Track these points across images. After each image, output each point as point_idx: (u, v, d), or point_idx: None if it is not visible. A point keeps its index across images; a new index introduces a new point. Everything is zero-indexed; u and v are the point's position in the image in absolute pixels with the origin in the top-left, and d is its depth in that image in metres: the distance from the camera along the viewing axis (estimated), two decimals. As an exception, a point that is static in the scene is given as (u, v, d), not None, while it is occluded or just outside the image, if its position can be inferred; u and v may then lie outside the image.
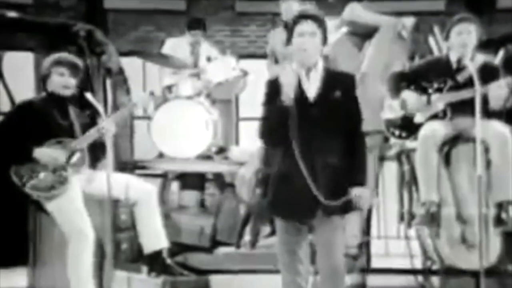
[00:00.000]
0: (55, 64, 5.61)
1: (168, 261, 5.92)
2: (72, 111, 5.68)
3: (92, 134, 5.58)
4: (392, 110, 6.05)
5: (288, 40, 4.40)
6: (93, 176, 5.67)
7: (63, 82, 5.58)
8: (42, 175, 5.53)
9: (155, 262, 5.89)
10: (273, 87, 4.36)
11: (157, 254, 5.86)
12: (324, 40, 4.38)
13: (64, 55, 5.78)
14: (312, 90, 4.34)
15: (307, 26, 4.33)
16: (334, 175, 4.29)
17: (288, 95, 4.24)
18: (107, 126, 5.51)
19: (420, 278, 6.22)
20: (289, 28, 4.41)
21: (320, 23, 4.36)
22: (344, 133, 4.35)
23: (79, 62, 5.75)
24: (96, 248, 5.55)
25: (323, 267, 4.33)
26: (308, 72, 4.34)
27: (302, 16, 4.38)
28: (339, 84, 4.36)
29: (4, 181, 5.58)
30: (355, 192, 4.33)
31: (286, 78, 4.26)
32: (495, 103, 5.59)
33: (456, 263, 5.80)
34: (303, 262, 4.35)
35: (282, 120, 4.25)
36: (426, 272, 6.16)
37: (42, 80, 5.66)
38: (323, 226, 4.31)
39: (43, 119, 5.58)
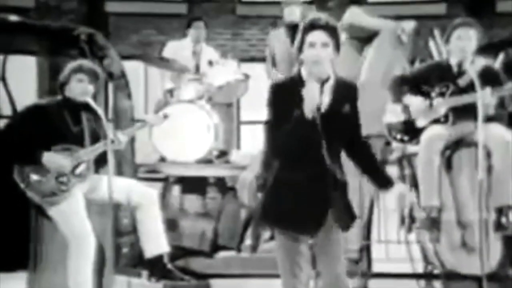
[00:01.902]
0: (75, 71, 5.61)
1: (169, 265, 5.92)
2: (84, 117, 5.67)
3: (100, 147, 5.58)
4: (394, 114, 6.04)
5: (299, 49, 4.20)
6: (95, 181, 5.67)
7: (82, 89, 5.58)
8: (45, 179, 5.53)
9: (155, 267, 5.88)
10: (279, 91, 4.24)
11: (158, 259, 5.85)
12: (337, 49, 4.19)
13: (84, 62, 5.80)
14: (324, 103, 4.17)
15: (318, 37, 4.15)
16: (344, 192, 4.23)
17: (310, 108, 4.10)
18: (118, 140, 5.54)
19: (421, 282, 6.20)
20: (300, 37, 4.22)
21: (333, 32, 4.17)
22: (347, 145, 4.26)
23: (98, 69, 5.76)
24: (96, 252, 5.55)
25: (326, 277, 4.30)
26: (322, 85, 4.17)
27: (313, 26, 4.18)
28: (348, 97, 4.24)
29: (8, 184, 5.58)
30: (400, 190, 4.44)
31: (312, 92, 4.11)
32: (486, 111, 5.56)
33: (457, 268, 5.79)
34: (303, 268, 4.28)
35: (300, 134, 4.12)
36: (428, 276, 6.14)
37: (60, 85, 5.65)
38: (323, 237, 4.28)
39: (55, 123, 5.58)
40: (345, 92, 4.25)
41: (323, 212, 4.20)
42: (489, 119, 5.57)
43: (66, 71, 5.64)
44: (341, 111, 4.20)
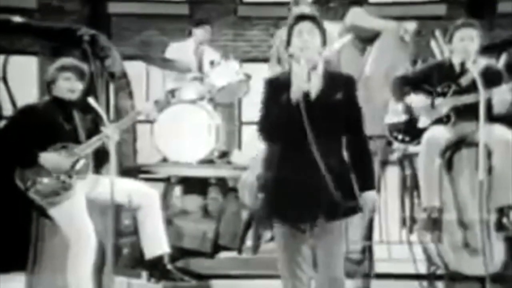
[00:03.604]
0: (61, 69, 5.62)
1: (169, 266, 5.91)
2: (76, 115, 5.68)
3: (95, 141, 5.59)
4: (395, 114, 6.03)
5: (288, 42, 4.36)
6: (97, 181, 5.67)
7: (69, 87, 5.59)
8: (45, 180, 5.54)
9: (155, 268, 5.88)
10: (273, 86, 4.34)
11: (158, 260, 5.85)
12: (324, 42, 4.35)
13: (69, 60, 5.79)
14: (313, 90, 4.28)
15: (305, 25, 4.32)
16: (336, 179, 4.23)
17: (297, 92, 4.21)
18: (110, 133, 5.52)
19: (424, 283, 6.18)
20: (287, 31, 4.39)
21: (318, 24, 4.35)
22: (345, 136, 4.33)
23: (84, 66, 5.77)
24: (97, 252, 5.55)
25: (321, 277, 4.30)
26: (309, 73, 4.27)
27: (300, 17, 4.39)
28: (340, 86, 4.33)
29: (8, 186, 5.58)
30: (367, 197, 4.32)
31: (299, 75, 4.23)
32: (500, 108, 5.57)
33: (460, 269, 5.77)
34: (303, 267, 4.32)
35: (285, 117, 4.21)
36: (431, 277, 6.12)
37: (47, 85, 5.66)
38: (323, 234, 4.28)
39: (47, 123, 5.58)
40: (337, 81, 4.35)
41: (316, 203, 4.21)
42: (496, 118, 5.57)
43: (52, 70, 5.65)
44: (331, 100, 4.28)
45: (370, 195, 4.33)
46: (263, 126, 4.33)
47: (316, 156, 4.18)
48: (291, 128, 4.22)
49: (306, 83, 4.23)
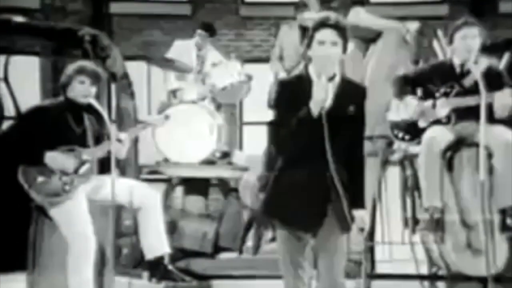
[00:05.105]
0: (77, 72, 5.60)
1: (169, 266, 5.91)
2: (87, 118, 5.67)
3: (104, 147, 5.59)
4: (396, 112, 6.02)
5: (308, 46, 4.26)
6: (99, 182, 5.66)
7: (84, 91, 5.58)
8: (49, 180, 5.53)
9: (156, 268, 5.87)
10: (287, 90, 4.29)
11: (159, 260, 5.84)
12: (345, 49, 4.24)
13: (86, 63, 5.78)
14: (328, 101, 4.21)
15: (327, 35, 4.20)
16: (346, 190, 4.24)
17: (318, 105, 4.16)
18: (122, 142, 5.54)
19: (426, 283, 6.17)
20: (310, 34, 4.27)
21: (342, 32, 4.21)
22: (348, 149, 4.30)
23: (100, 71, 5.76)
24: (97, 253, 5.54)
25: (323, 279, 4.30)
26: (326, 83, 4.21)
27: (323, 24, 4.23)
28: (353, 98, 4.27)
29: (10, 184, 5.58)
30: (357, 216, 4.31)
31: (320, 89, 4.16)
32: (501, 112, 5.54)
33: (463, 269, 5.76)
34: (305, 268, 4.32)
35: (305, 130, 4.17)
36: (432, 278, 6.11)
37: (62, 86, 5.65)
38: (326, 236, 4.28)
39: (58, 124, 5.58)
40: (351, 93, 4.29)
41: (323, 211, 4.23)
42: (498, 121, 5.55)
43: (68, 72, 5.65)
44: (345, 111, 4.24)
45: (359, 213, 4.31)
46: (283, 144, 4.27)
47: (330, 165, 4.18)
48: (308, 139, 4.19)
49: (325, 94, 4.17)
